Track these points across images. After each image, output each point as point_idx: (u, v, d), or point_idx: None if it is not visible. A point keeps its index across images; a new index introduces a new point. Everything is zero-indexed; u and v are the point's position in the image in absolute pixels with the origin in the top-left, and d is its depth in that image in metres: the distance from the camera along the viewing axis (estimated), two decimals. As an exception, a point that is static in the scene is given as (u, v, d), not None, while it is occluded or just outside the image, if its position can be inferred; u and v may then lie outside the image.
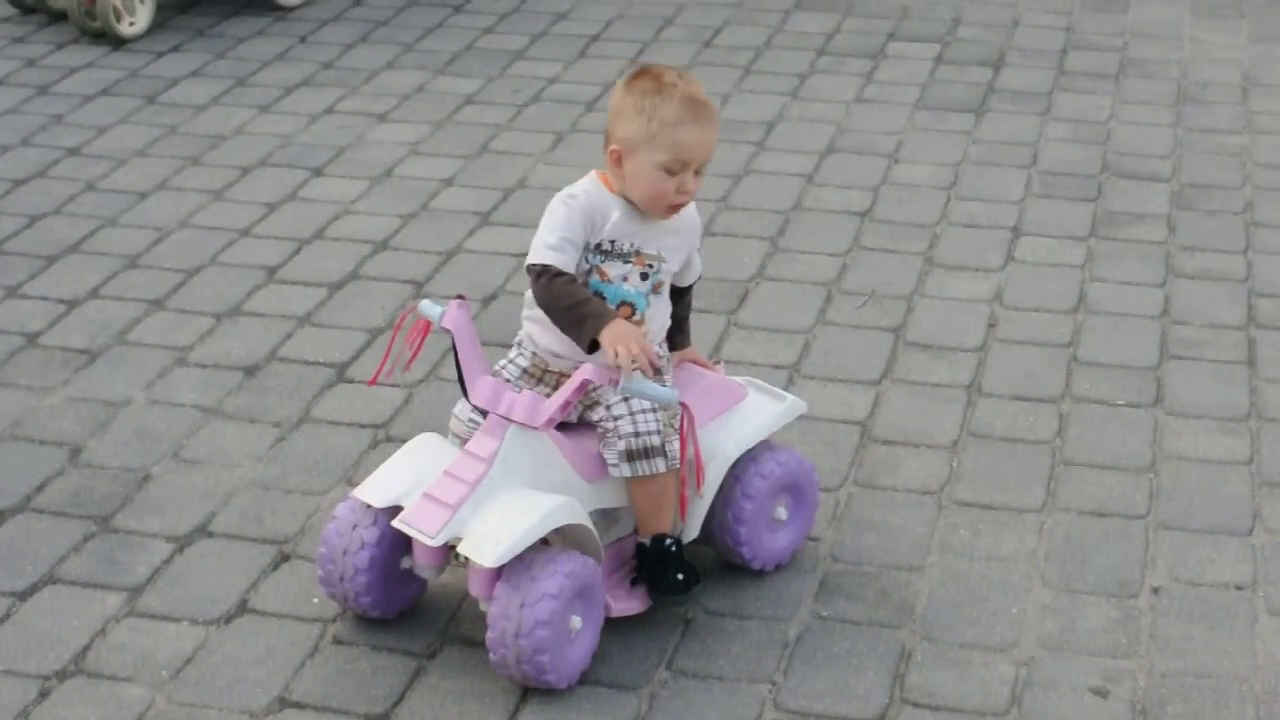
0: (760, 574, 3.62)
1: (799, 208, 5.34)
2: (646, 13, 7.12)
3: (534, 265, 3.32)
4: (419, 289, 4.83)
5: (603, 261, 3.35)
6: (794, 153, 5.74)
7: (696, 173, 3.34)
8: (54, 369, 4.44)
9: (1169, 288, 4.84)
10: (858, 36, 6.83)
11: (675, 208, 3.36)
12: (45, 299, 4.80)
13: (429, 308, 3.43)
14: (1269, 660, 3.39)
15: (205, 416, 4.23)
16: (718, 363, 3.73)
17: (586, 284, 3.35)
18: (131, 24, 6.80)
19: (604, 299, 3.35)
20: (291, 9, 7.18)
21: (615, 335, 3.23)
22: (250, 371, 4.43)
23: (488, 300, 4.77)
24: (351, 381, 4.37)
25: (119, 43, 6.75)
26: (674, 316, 3.57)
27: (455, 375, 3.41)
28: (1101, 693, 3.30)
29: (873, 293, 4.80)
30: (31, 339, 4.59)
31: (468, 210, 5.34)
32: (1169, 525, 3.80)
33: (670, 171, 3.30)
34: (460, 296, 3.40)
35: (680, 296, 3.57)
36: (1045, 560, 3.68)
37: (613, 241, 3.35)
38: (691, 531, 3.53)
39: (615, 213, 3.35)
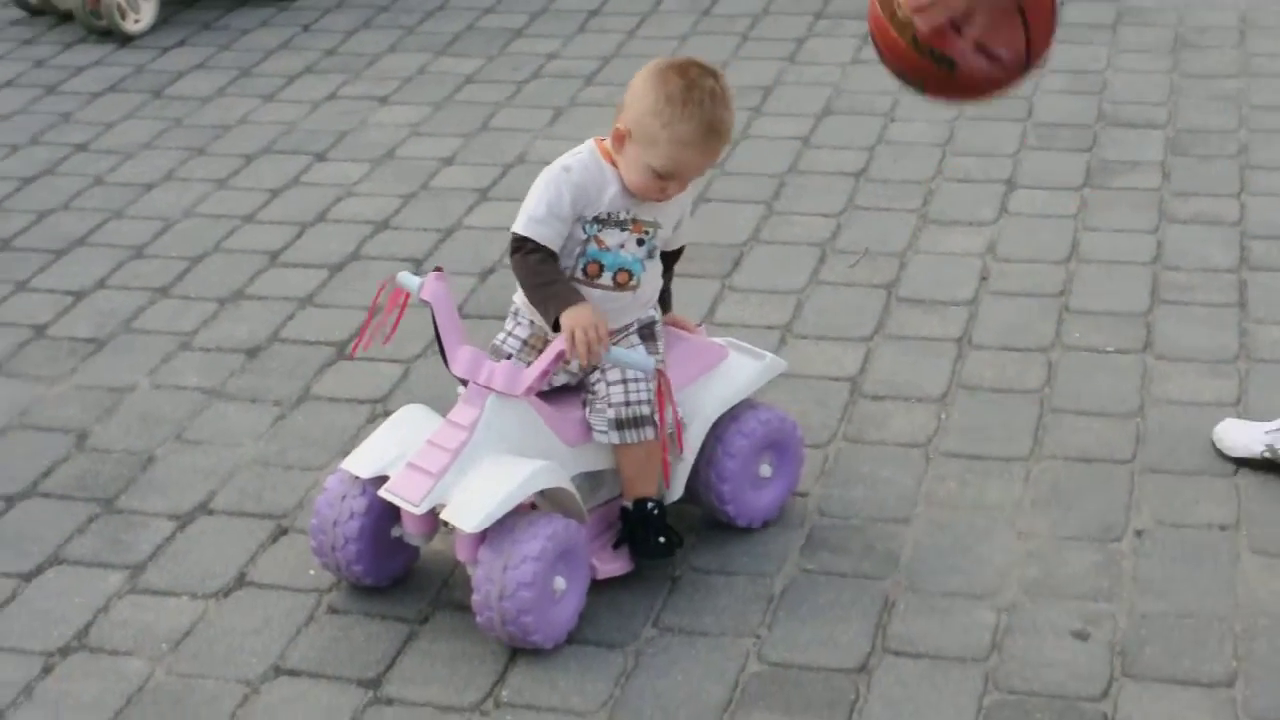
0: (747, 531, 3.68)
1: (794, 170, 5.38)
2: (647, -15, 7.17)
3: (515, 235, 3.39)
4: (418, 266, 4.90)
5: (600, 230, 3.40)
6: (790, 116, 5.78)
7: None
8: (61, 358, 4.53)
9: (1161, 233, 4.86)
10: (857, -1, 6.86)
11: (659, 199, 3.42)
12: (53, 291, 4.89)
13: (407, 279, 3.50)
14: (1250, 598, 3.42)
15: (208, 398, 4.31)
16: (699, 325, 3.78)
17: (584, 252, 3.41)
18: (136, 21, 6.89)
19: (603, 266, 3.41)
20: (295, -2, 7.26)
21: (574, 319, 3.28)
22: (252, 353, 4.51)
23: (485, 274, 4.83)
24: (351, 359, 4.44)
25: (125, 40, 6.83)
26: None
27: (444, 344, 3.48)
28: (1082, 635, 3.34)
29: (866, 251, 4.84)
30: (39, 330, 4.68)
31: (467, 187, 5.41)
32: (1155, 469, 3.83)
33: (660, 176, 3.35)
34: (438, 269, 3.47)
35: (668, 263, 3.62)
36: (1030, 508, 3.72)
37: (609, 213, 3.40)
38: (676, 491, 3.58)
39: (613, 186, 3.40)
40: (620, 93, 5.96)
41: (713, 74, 3.38)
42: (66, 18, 7.07)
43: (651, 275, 3.51)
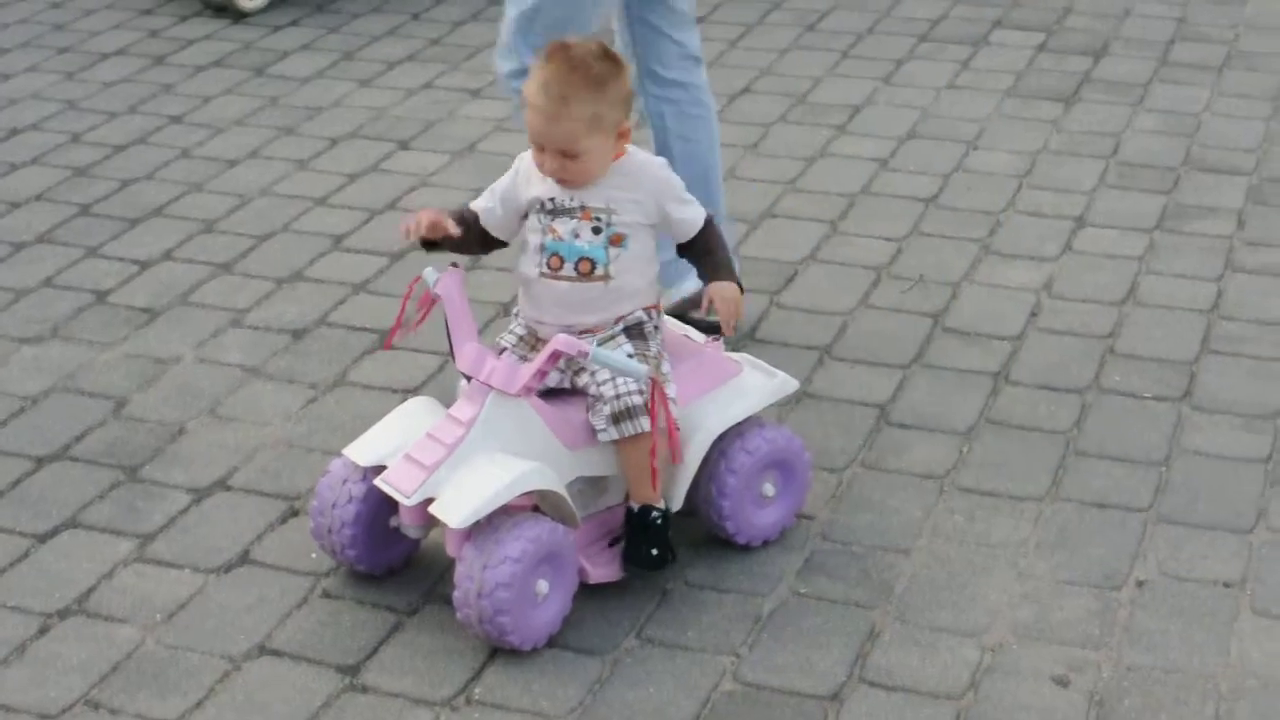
0: (746, 549, 3.67)
1: (866, 192, 5.36)
2: (757, -5, 7.17)
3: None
4: (476, 260, 4.94)
5: (552, 220, 3.48)
6: (873, 137, 5.75)
7: (568, 155, 3.38)
8: (116, 326, 4.64)
9: (1224, 282, 4.77)
10: (963, 23, 6.79)
11: (556, 176, 3.44)
12: (121, 259, 5.00)
13: (431, 275, 3.54)
14: (1241, 659, 3.36)
15: (247, 376, 4.39)
16: (717, 338, 3.77)
17: (544, 246, 3.47)
18: (252, -2, 7.03)
19: (563, 258, 3.46)
20: (411, -14, 7.34)
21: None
22: (298, 335, 4.58)
23: (539, 274, 4.86)
24: (393, 348, 4.48)
25: (239, 16, 6.97)
26: (699, 269, 3.62)
27: (452, 340, 3.52)
28: (1062, 682, 3.30)
29: (920, 278, 4.80)
30: (101, 297, 4.80)
31: (539, 186, 5.44)
32: (1169, 519, 3.77)
33: (536, 147, 3.40)
34: (454, 264, 3.51)
35: (689, 253, 3.61)
36: (1035, 549, 3.68)
37: (552, 199, 3.46)
38: (675, 503, 3.59)
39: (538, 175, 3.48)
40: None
41: (593, 50, 3.37)
42: (186, -9, 7.23)
43: (628, 268, 3.49)
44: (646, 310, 3.56)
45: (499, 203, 3.54)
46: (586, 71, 3.36)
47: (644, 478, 3.51)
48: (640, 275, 3.53)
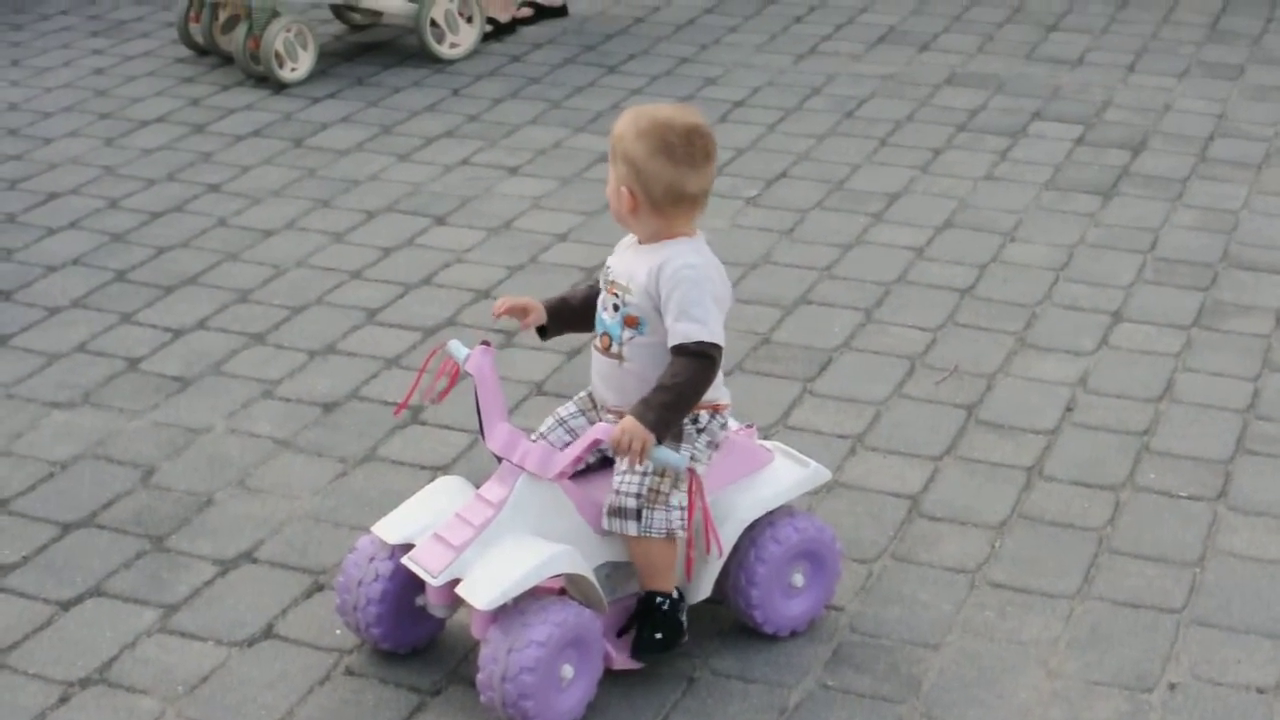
0: (773, 638, 3.64)
1: (902, 280, 5.34)
2: (796, 81, 7.17)
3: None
4: (509, 338, 4.94)
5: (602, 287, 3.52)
6: (910, 226, 5.74)
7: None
8: (147, 394, 4.64)
9: (1261, 382, 4.73)
10: (1002, 114, 6.79)
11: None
12: (155, 327, 5.01)
13: (457, 349, 3.54)
14: (1274, 766, 3.31)
15: (277, 448, 4.38)
16: (749, 426, 3.75)
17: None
18: (293, 69, 7.06)
19: (598, 330, 3.51)
20: (452, 62, 7.38)
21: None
22: (329, 408, 4.57)
23: (572, 354, 4.85)
24: (424, 424, 4.48)
25: (280, 87, 7.01)
26: None
27: (483, 419, 3.50)
28: (1091, 784, 3.26)
29: (955, 368, 4.78)
30: (133, 364, 4.80)
31: (574, 265, 5.44)
32: (1203, 622, 3.72)
33: None
34: (485, 342, 3.50)
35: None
36: (1066, 648, 3.63)
37: (608, 266, 3.51)
38: (703, 591, 3.56)
39: (627, 241, 3.53)
40: (746, 185, 6.05)
41: (697, 129, 3.38)
42: (229, 60, 7.27)
43: (643, 353, 3.40)
44: (695, 410, 3.44)
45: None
46: (669, 130, 3.34)
47: (648, 570, 3.48)
48: (652, 364, 3.40)
